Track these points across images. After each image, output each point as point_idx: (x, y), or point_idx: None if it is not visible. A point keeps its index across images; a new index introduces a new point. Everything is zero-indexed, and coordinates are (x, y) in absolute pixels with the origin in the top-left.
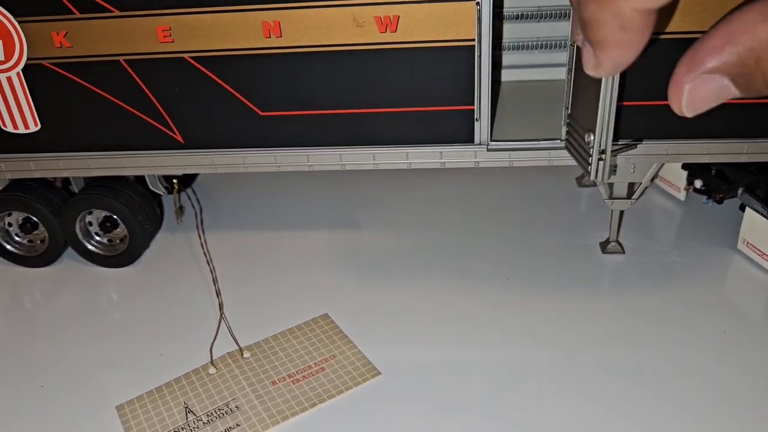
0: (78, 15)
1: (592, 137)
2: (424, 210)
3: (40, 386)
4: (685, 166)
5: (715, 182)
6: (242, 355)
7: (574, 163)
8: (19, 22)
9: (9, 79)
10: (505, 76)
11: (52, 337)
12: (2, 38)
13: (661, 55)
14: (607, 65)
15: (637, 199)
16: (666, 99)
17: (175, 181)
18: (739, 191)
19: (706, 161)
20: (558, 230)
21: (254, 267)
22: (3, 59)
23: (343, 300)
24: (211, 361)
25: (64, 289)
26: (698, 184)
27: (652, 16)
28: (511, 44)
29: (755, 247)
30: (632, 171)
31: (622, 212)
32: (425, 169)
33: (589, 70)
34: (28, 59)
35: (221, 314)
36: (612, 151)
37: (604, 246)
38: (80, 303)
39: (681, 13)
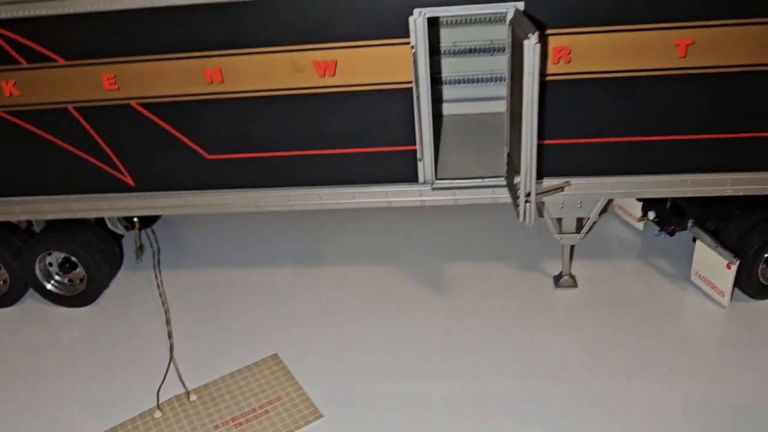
0: (25, 65)
1: (518, 179)
2: (381, 244)
3: None
4: (639, 197)
5: (666, 214)
6: (189, 398)
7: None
8: None
9: None
10: (448, 109)
11: (6, 375)
12: None
13: (599, 95)
14: None
15: (586, 233)
16: (606, 136)
17: (135, 220)
18: (689, 223)
19: (649, 197)
20: (513, 263)
21: (209, 306)
22: None
23: (294, 339)
24: (158, 405)
25: (23, 329)
26: (651, 215)
27: None
28: (452, 78)
29: (706, 279)
30: (579, 206)
31: (572, 246)
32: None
33: None
34: None
35: (171, 356)
36: (540, 193)
37: (557, 280)
38: (37, 343)
39: (613, 55)
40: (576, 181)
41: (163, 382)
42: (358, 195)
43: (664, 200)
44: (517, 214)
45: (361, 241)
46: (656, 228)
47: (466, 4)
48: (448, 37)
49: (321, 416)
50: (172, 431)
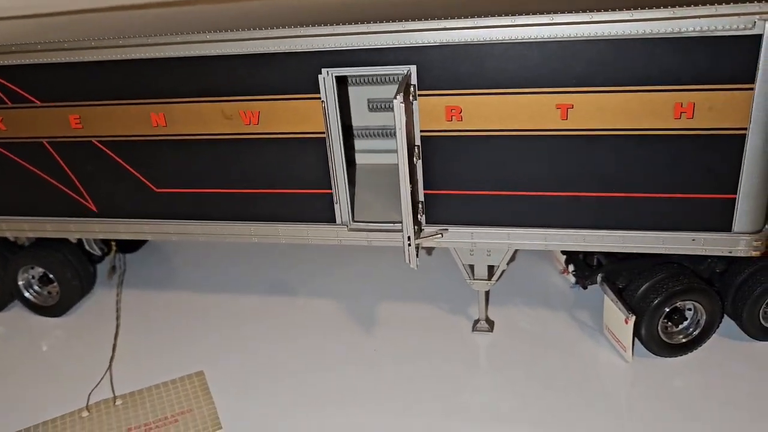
0: (10, 104)
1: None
2: (325, 279)
3: None
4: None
5: (581, 267)
6: (114, 402)
7: (425, 243)
8: None
9: None
10: (364, 159)
11: None
12: None
13: (490, 150)
14: None
15: (496, 281)
16: (502, 189)
17: (113, 243)
18: (599, 279)
19: (549, 249)
20: (442, 305)
21: (158, 324)
22: None
23: (222, 360)
24: (87, 406)
25: (7, 332)
26: (571, 267)
27: None
28: (365, 132)
29: (613, 334)
30: (488, 254)
31: (487, 292)
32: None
33: None
34: None
35: (109, 365)
36: (422, 238)
37: (474, 324)
38: (16, 345)
39: (501, 115)
40: (479, 231)
41: (95, 387)
42: (283, 231)
43: (586, 254)
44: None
45: (316, 277)
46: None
47: (367, 66)
48: (360, 94)
49: (220, 428)
50: (92, 429)
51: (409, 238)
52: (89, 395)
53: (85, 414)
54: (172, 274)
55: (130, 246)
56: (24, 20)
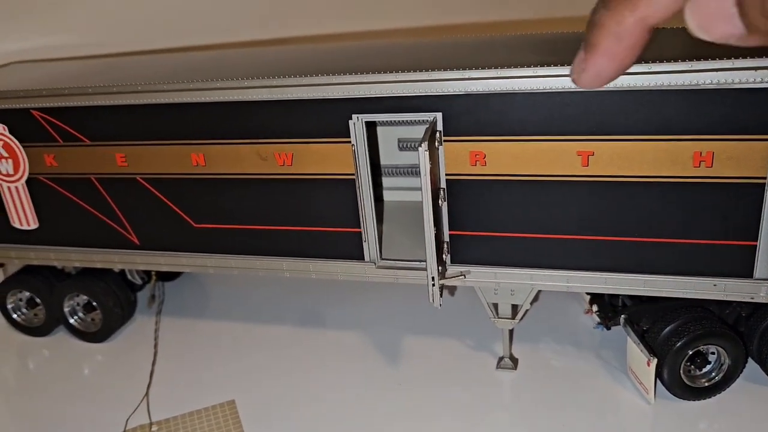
0: (62, 143)
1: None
2: (357, 314)
3: None
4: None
5: (604, 308)
6: (151, 428)
7: (450, 282)
8: (23, 147)
9: (16, 188)
10: (399, 196)
11: (30, 394)
12: (12, 157)
13: (514, 194)
14: (591, 70)
15: (520, 319)
16: (526, 232)
17: (153, 273)
18: (621, 320)
19: (573, 290)
20: (468, 341)
21: (196, 352)
22: (12, 173)
23: (254, 391)
24: (124, 431)
25: (51, 356)
26: (595, 308)
27: (646, 35)
28: (394, 170)
29: (636, 376)
30: (512, 294)
31: (511, 331)
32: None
33: (573, 75)
34: (29, 174)
35: (146, 392)
36: (446, 278)
37: (498, 361)
38: (57, 369)
39: (523, 161)
40: (502, 271)
41: (133, 413)
42: (314, 267)
43: (611, 295)
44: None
45: (344, 310)
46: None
47: (395, 112)
48: (389, 134)
49: None
50: None
51: (433, 278)
52: (127, 421)
53: None
54: (206, 302)
55: (168, 275)
56: (75, 62)
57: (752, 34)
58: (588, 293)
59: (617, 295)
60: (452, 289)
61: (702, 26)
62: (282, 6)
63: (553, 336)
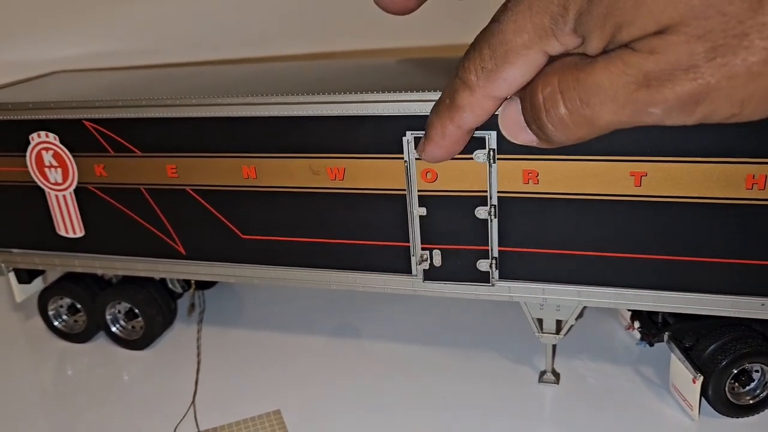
0: (112, 153)
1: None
2: (401, 327)
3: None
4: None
5: (647, 325)
6: None
7: (497, 297)
8: (73, 156)
9: (64, 196)
10: None
11: (71, 399)
12: (62, 167)
13: (566, 213)
14: (427, 155)
15: (564, 335)
16: (575, 249)
17: (192, 282)
18: (666, 337)
19: (618, 307)
20: (508, 354)
21: (236, 361)
22: (61, 182)
23: (299, 401)
24: None
25: (92, 363)
26: (637, 324)
27: (466, 136)
28: None
29: (680, 392)
30: (557, 310)
31: (554, 345)
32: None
33: (417, 152)
34: (78, 183)
35: (193, 400)
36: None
37: (540, 375)
38: (98, 376)
39: (575, 180)
40: (550, 287)
41: (180, 421)
42: (361, 280)
43: (651, 312)
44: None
45: (386, 322)
46: (639, 337)
47: None
48: None
49: None
50: None
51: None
52: (175, 428)
53: None
54: (241, 311)
55: (206, 284)
56: (118, 71)
57: (541, 141)
58: (629, 309)
59: (657, 312)
60: (491, 305)
61: (509, 134)
62: (330, 20)
63: (592, 352)
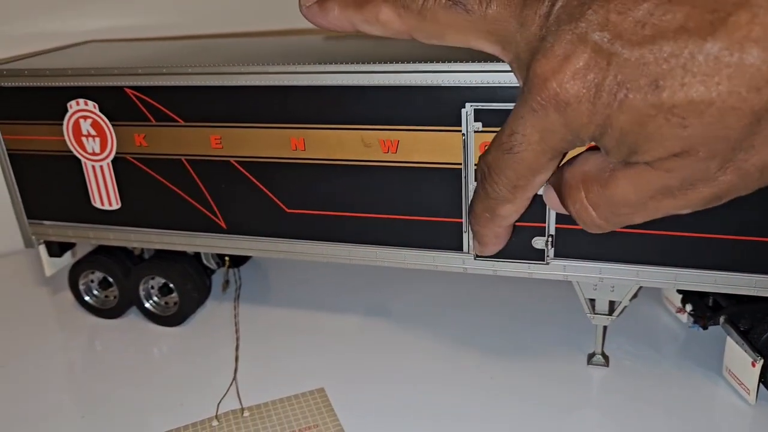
0: (154, 122)
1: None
2: (437, 308)
3: (81, 416)
4: (679, 290)
5: (701, 307)
6: (242, 413)
7: (551, 276)
8: (113, 125)
9: (101, 167)
10: None
11: (102, 376)
12: (100, 136)
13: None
14: (488, 253)
15: (617, 316)
16: (641, 228)
17: (227, 258)
18: (721, 320)
19: (679, 288)
20: (553, 336)
21: (275, 339)
22: (99, 151)
23: (342, 379)
24: (216, 416)
25: (123, 339)
26: (689, 307)
27: (510, 228)
28: None
29: (734, 376)
30: (612, 290)
31: (605, 327)
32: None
33: (476, 252)
34: (116, 153)
35: (234, 377)
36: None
37: (590, 357)
38: (132, 352)
39: None
40: (608, 266)
41: (223, 397)
42: (409, 257)
43: (701, 294)
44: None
45: (423, 302)
46: (692, 320)
47: (511, 102)
48: None
49: None
50: None
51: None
52: (218, 405)
53: (215, 423)
54: (275, 288)
55: (239, 260)
56: (156, 42)
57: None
58: (680, 291)
59: (708, 294)
60: (534, 284)
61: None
62: None
63: (638, 335)
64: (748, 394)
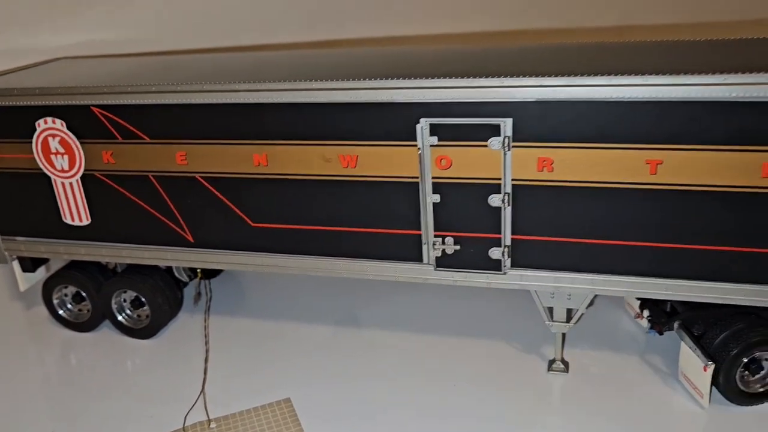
0: (120, 140)
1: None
2: (404, 316)
3: (51, 431)
4: (620, 295)
5: (657, 313)
6: (209, 425)
7: (509, 286)
8: (80, 143)
9: (71, 184)
10: None
11: (76, 388)
12: (68, 154)
13: (579, 201)
14: None
15: (575, 323)
16: (587, 238)
17: (198, 271)
18: (675, 326)
19: (631, 296)
20: (516, 344)
21: (244, 350)
22: (68, 168)
23: (309, 389)
24: (183, 427)
25: (97, 352)
26: (646, 313)
27: None
28: None
29: (689, 380)
30: (568, 298)
31: (564, 334)
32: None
33: None
34: (84, 170)
35: (202, 389)
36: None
37: (550, 364)
38: (105, 365)
39: (591, 168)
40: (563, 275)
41: (190, 409)
42: (371, 268)
43: (658, 300)
44: None
45: (391, 312)
46: (649, 326)
47: (464, 117)
48: None
49: None
50: None
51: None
52: (185, 417)
53: None
54: (246, 300)
55: (211, 272)
56: (124, 58)
57: None
58: (638, 298)
59: (665, 301)
60: (500, 293)
61: None
62: (337, 7)
63: (599, 340)
64: (701, 397)
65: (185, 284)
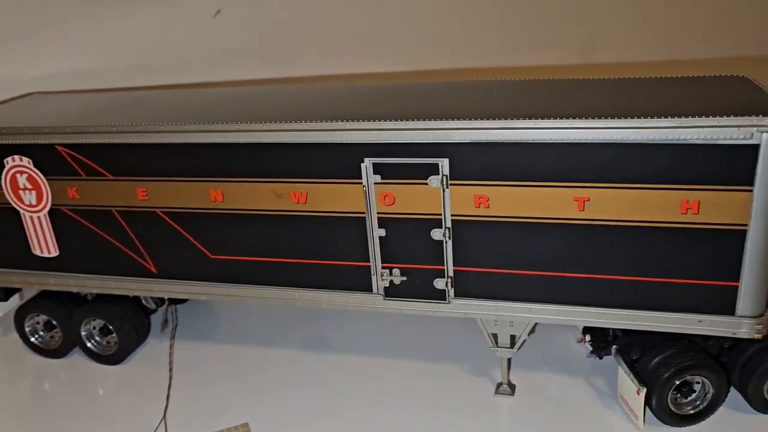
0: (84, 177)
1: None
2: (366, 344)
3: None
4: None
5: (597, 338)
6: None
7: (453, 314)
8: (47, 179)
9: (39, 218)
10: None
11: (46, 414)
12: (36, 190)
13: (514, 235)
14: None
15: (518, 349)
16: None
17: (166, 299)
18: (613, 350)
19: (567, 324)
20: (467, 368)
21: (208, 374)
22: (35, 203)
23: (268, 413)
24: None
25: (67, 378)
26: (588, 338)
27: None
28: None
29: (627, 403)
30: (511, 325)
31: (509, 359)
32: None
33: None
34: (51, 205)
35: (164, 415)
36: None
37: (497, 387)
38: (75, 391)
39: (523, 204)
40: (502, 305)
41: None
42: (325, 298)
43: (599, 327)
44: None
45: (354, 336)
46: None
47: (405, 157)
48: None
49: None
50: None
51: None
52: None
53: None
54: (213, 326)
55: (178, 299)
56: (93, 94)
57: None
58: None
59: (607, 327)
60: (453, 320)
61: None
62: (302, 44)
63: (547, 363)
64: (637, 419)
65: (152, 311)
